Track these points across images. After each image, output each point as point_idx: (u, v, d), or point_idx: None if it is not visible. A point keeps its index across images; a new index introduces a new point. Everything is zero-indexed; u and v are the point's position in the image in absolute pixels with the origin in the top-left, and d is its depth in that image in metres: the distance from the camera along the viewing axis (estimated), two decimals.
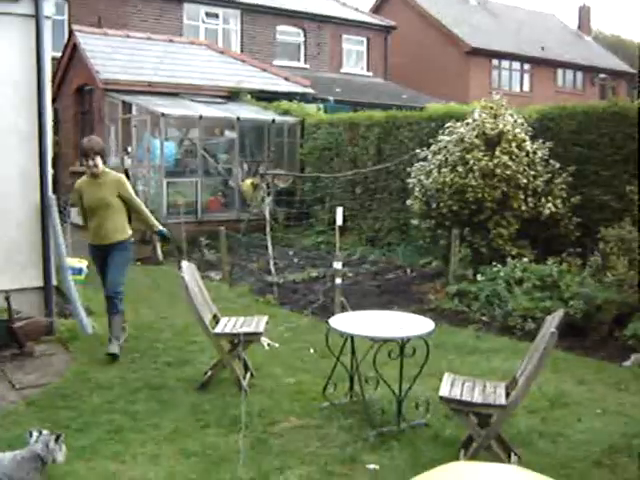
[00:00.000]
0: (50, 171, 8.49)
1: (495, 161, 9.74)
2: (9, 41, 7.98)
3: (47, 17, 8.11)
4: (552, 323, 4.87)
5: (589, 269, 8.89)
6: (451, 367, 6.45)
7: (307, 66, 26.31)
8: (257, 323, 6.69)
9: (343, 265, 9.57)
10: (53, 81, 17.13)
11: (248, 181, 15.41)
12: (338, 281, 8.93)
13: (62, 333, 7.91)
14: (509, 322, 8.49)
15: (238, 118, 15.77)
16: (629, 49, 49.89)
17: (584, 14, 42.35)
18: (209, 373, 6.48)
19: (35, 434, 4.40)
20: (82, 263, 10.97)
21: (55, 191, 8.77)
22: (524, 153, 9.97)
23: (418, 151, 11.25)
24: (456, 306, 9.37)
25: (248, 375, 6.60)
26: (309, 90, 20.08)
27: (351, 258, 12.78)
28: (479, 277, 9.61)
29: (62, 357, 7.37)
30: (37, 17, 7.96)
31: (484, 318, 8.93)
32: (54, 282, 8.30)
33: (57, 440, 4.41)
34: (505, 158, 9.75)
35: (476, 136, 10.07)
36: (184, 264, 6.74)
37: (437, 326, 6.48)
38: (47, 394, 6.27)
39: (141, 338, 8.07)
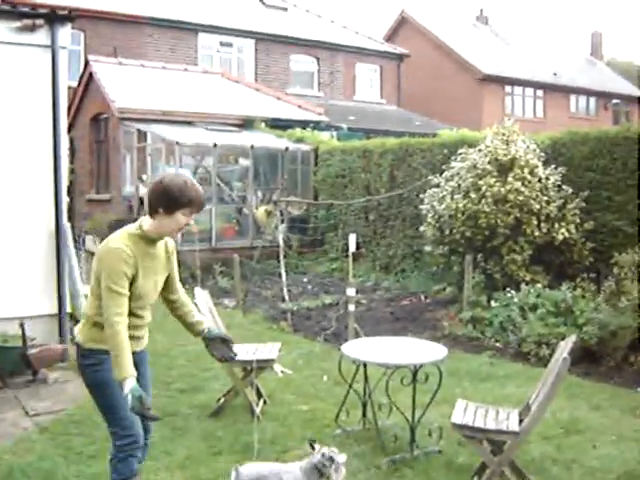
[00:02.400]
0: (65, 199, 8.57)
1: (508, 187, 9.74)
2: (26, 71, 8.11)
3: (63, 47, 8.25)
4: (565, 349, 4.85)
5: (603, 294, 8.85)
6: (465, 394, 6.42)
7: (321, 94, 26.49)
8: (270, 350, 6.70)
9: (356, 292, 9.57)
10: (69, 110, 17.35)
11: (262, 208, 15.48)
12: (351, 308, 8.93)
13: (76, 360, 7.91)
14: (523, 348, 8.46)
15: (252, 146, 15.86)
16: None
17: (596, 40, 42.51)
18: (222, 400, 6.49)
19: (317, 447, 4.36)
20: None
21: (70, 219, 8.86)
22: (536, 179, 9.97)
23: (431, 177, 11.28)
24: (470, 332, 9.34)
25: (261, 402, 6.59)
26: (323, 118, 20.20)
27: (365, 285, 12.79)
28: (493, 303, 9.58)
29: (76, 384, 7.35)
30: (53, 47, 8.10)
31: (498, 344, 8.90)
32: (68, 309, 8.33)
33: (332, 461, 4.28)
34: (518, 184, 9.76)
35: (488, 162, 10.09)
36: (197, 291, 6.77)
37: (451, 352, 6.47)
38: (60, 421, 6.28)
39: (155, 365, 8.00)
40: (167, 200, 3.96)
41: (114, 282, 3.82)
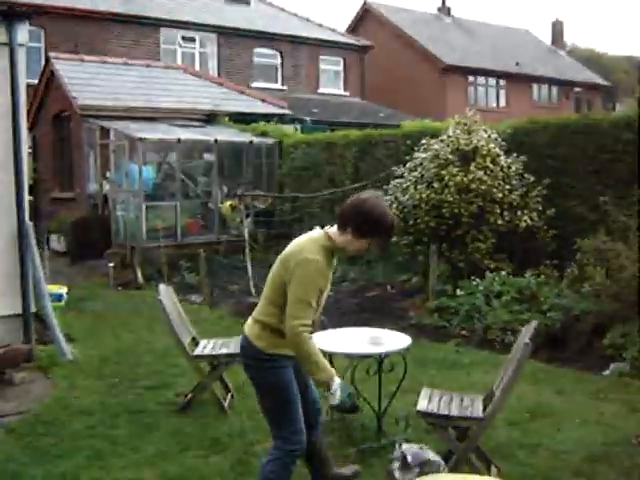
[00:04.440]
0: (27, 198, 8.49)
1: (470, 176, 9.83)
2: None
3: (21, 45, 8.14)
4: (526, 335, 4.92)
5: (566, 280, 8.98)
6: (431, 382, 6.46)
7: (284, 87, 26.45)
8: (237, 344, 6.68)
9: None
10: (30, 108, 17.19)
11: (227, 203, 15.43)
12: None
13: (42, 360, 7.87)
14: (489, 335, 8.56)
15: (216, 141, 15.80)
16: (603, 62, 50.52)
17: (557, 29, 42.86)
18: (189, 396, 6.48)
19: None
20: (62, 289, 10.96)
21: (35, 218, 8.78)
22: (499, 168, 10.06)
23: (394, 168, 11.32)
24: (436, 321, 9.41)
25: (229, 396, 6.60)
26: (286, 111, 20.18)
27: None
28: (458, 292, 9.66)
29: (42, 384, 7.34)
30: (11, 45, 8.00)
31: (464, 332, 8.97)
32: (33, 309, 8.27)
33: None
34: (480, 173, 9.84)
35: (451, 152, 10.16)
36: (162, 287, 6.75)
37: (417, 342, 6.54)
38: (27, 421, 6.24)
39: (121, 363, 8.05)
40: (361, 224, 3.94)
41: (308, 294, 3.84)
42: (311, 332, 3.89)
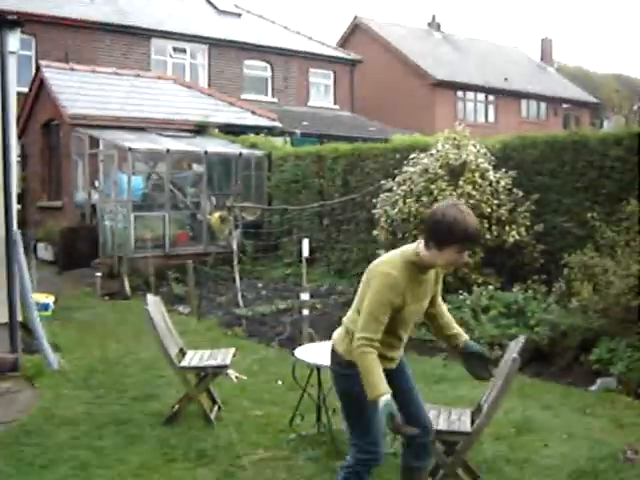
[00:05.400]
0: (15, 206, 8.45)
1: (459, 191, 9.85)
2: None
3: (12, 52, 8.12)
4: (514, 349, 4.93)
5: (554, 295, 8.99)
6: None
7: (274, 100, 26.50)
8: (224, 356, 6.68)
9: (311, 296, 9.59)
10: (20, 116, 17.15)
11: (216, 214, 15.43)
12: (305, 312, 8.95)
13: (28, 369, 7.83)
14: None
15: (205, 152, 15.81)
16: (590, 80, 50.87)
17: (546, 46, 43.16)
18: (176, 407, 6.44)
19: None
20: (49, 299, 10.91)
21: (22, 226, 8.74)
22: (487, 182, 10.10)
23: (383, 182, 11.34)
24: (424, 335, 9.37)
25: (215, 408, 6.58)
26: (276, 123, 20.22)
27: (319, 289, 12.80)
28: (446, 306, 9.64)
29: (28, 393, 7.29)
30: (2, 52, 7.98)
31: None
32: (19, 318, 8.22)
33: None
34: (469, 188, 9.88)
35: (440, 166, 10.20)
36: (149, 298, 6.72)
37: (404, 355, 6.51)
38: (12, 431, 6.19)
39: (108, 373, 8.01)
40: (437, 235, 3.80)
41: (376, 307, 3.77)
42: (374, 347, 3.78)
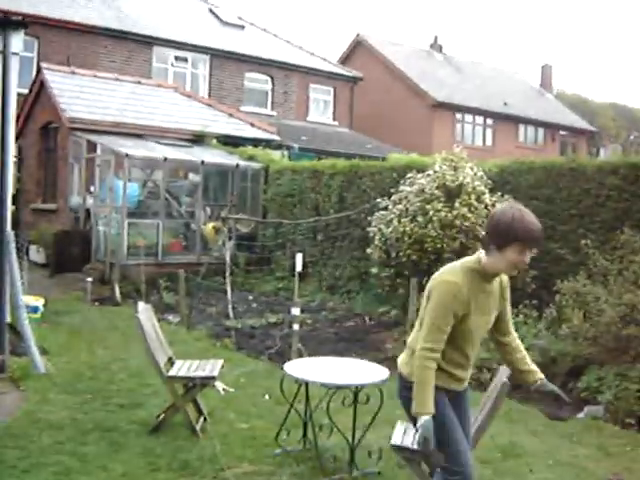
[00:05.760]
0: (10, 207, 8.42)
1: (454, 212, 9.88)
2: None
3: (15, 53, 8.13)
4: (504, 373, 4.91)
5: (545, 321, 9.00)
6: (405, 416, 6.43)
7: (274, 113, 26.53)
8: (212, 367, 6.65)
9: (302, 311, 9.58)
10: (19, 117, 17.12)
11: (210, 225, 15.43)
12: (296, 327, 8.93)
13: (14, 372, 7.78)
14: None
15: (202, 162, 15.82)
16: (588, 107, 51.12)
17: (546, 72, 43.34)
18: (162, 416, 6.40)
19: None
20: (38, 301, 10.86)
21: (15, 228, 8.70)
22: (483, 205, 10.12)
23: (379, 200, 11.35)
24: None
25: (201, 419, 6.54)
26: (275, 137, 20.25)
27: (310, 305, 12.80)
28: None
29: (13, 396, 7.24)
30: (5, 53, 7.99)
31: None
32: (8, 319, 8.17)
33: None
34: (464, 210, 9.89)
35: (437, 187, 10.22)
36: (140, 305, 6.69)
37: (394, 375, 6.49)
38: None
39: (95, 379, 7.97)
40: (496, 236, 3.74)
41: (439, 316, 3.70)
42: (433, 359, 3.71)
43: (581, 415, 7.38)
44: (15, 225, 11.01)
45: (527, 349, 8.14)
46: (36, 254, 16.39)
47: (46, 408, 6.85)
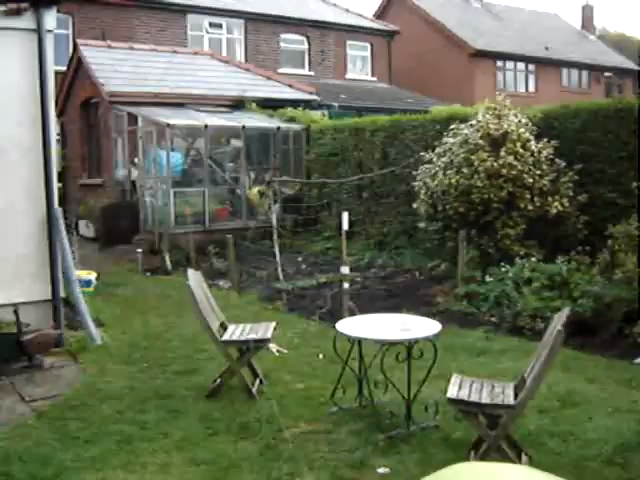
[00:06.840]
0: (56, 184, 8.52)
1: (500, 161, 9.72)
2: (11, 55, 8.04)
3: (49, 31, 8.16)
4: (559, 321, 4.85)
5: (598, 267, 8.86)
6: (460, 369, 6.41)
7: (312, 73, 26.35)
8: (265, 330, 6.68)
9: (351, 270, 9.55)
10: (59, 95, 17.26)
11: (255, 189, 15.44)
12: (346, 286, 8.92)
13: (71, 345, 7.93)
14: (518, 322, 8.46)
15: (243, 127, 15.79)
16: (634, 46, 49.80)
17: (587, 13, 42.34)
18: (218, 381, 6.47)
19: None
20: (91, 275, 11.02)
21: (64, 204, 8.81)
22: (529, 153, 9.95)
23: (423, 154, 11.24)
24: (465, 308, 9.34)
25: (257, 382, 6.59)
26: (314, 97, 20.11)
27: (359, 263, 12.77)
28: (487, 278, 9.58)
29: (72, 369, 7.38)
30: (39, 31, 8.03)
31: (493, 319, 8.90)
32: (62, 294, 8.31)
33: None
34: (510, 158, 9.73)
35: (480, 137, 10.06)
36: (190, 272, 6.74)
37: (446, 328, 6.47)
38: (57, 406, 6.28)
39: (150, 348, 8.08)
40: None
41: None
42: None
43: (638, 360, 7.27)
44: (63, 202, 11.17)
45: (581, 296, 8.14)
46: (85, 229, 16.62)
47: (104, 379, 6.98)
